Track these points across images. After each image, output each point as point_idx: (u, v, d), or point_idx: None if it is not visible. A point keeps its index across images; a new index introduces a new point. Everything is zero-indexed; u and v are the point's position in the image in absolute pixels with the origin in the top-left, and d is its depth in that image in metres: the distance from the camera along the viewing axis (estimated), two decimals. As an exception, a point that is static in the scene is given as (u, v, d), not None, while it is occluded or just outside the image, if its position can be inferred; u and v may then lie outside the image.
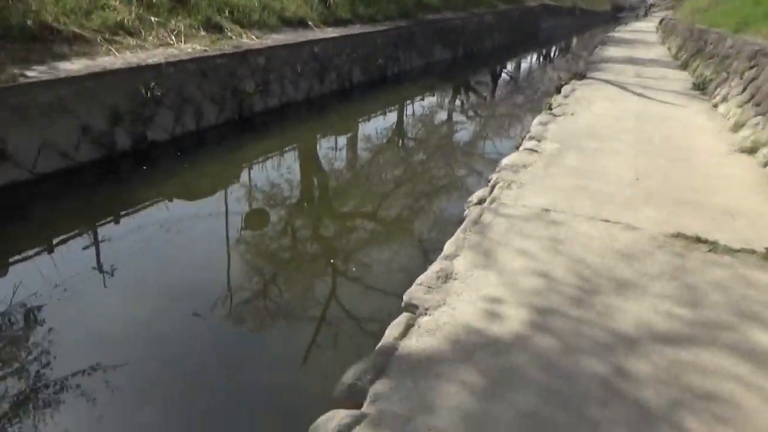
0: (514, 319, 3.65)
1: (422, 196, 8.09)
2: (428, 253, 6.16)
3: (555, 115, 9.19)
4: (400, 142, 11.56)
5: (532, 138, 7.84)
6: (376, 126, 12.14)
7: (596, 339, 3.54)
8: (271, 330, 4.97)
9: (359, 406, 2.90)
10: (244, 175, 8.69)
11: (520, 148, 7.39)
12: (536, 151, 7.14)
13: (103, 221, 6.71)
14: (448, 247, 4.56)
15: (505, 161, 6.78)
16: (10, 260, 5.76)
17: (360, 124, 12.12)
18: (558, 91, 11.85)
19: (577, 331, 3.59)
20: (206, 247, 6.25)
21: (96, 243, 6.21)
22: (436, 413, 2.84)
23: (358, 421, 2.73)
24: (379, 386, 3.00)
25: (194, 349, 4.52)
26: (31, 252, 5.92)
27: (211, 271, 5.70)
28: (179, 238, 6.42)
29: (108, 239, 6.29)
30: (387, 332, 3.49)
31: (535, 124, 8.69)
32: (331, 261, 6.09)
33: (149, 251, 6.10)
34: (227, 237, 6.43)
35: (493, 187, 5.98)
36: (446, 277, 4.05)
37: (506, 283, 4.07)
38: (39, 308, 4.94)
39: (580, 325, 3.66)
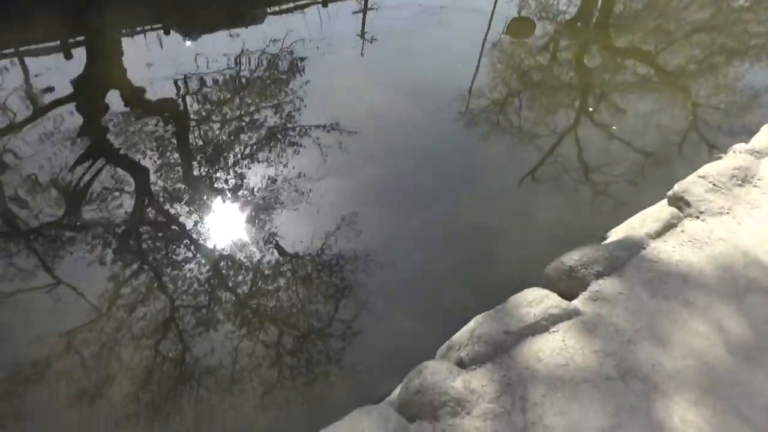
0: (823, 272, 2.42)
1: (724, 53, 5.88)
2: (709, 131, 4.56)
3: None
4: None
5: None
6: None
7: None
8: (496, 143, 4.24)
9: (573, 295, 2.23)
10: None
11: None
12: None
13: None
14: (761, 138, 3.11)
15: None
16: (282, 7, 5.70)
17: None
18: None
19: None
20: (461, 42, 5.46)
21: (364, 10, 5.81)
22: (668, 349, 2.05)
23: (568, 316, 2.08)
24: (606, 284, 2.24)
25: (419, 136, 4.12)
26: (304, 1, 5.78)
27: (460, 68, 5.00)
28: (439, 28, 5.68)
29: (375, 7, 5.82)
30: (636, 221, 2.58)
31: None
32: (583, 94, 4.89)
33: (409, 33, 5.53)
34: (485, 38, 5.49)
35: None
36: (744, 178, 2.78)
37: (831, 217, 2.68)
38: (301, 58, 4.90)
39: None
